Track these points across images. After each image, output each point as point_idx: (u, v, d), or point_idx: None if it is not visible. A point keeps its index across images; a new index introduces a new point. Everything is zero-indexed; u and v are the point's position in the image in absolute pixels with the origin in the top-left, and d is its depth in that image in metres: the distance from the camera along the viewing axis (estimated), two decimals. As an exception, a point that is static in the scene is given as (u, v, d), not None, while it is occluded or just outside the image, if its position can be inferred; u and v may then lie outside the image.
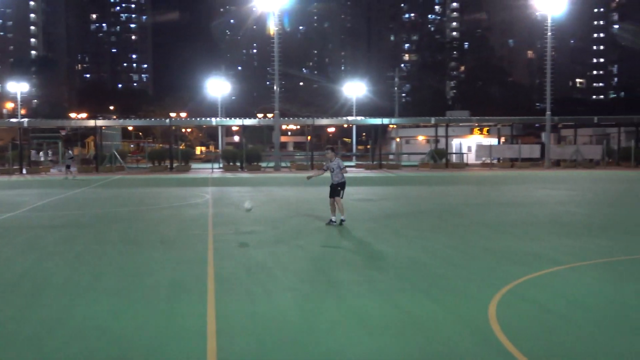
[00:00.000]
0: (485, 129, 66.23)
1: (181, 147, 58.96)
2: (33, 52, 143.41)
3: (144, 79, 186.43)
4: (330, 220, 15.34)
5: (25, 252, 11.85)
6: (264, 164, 52.29)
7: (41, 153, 60.77)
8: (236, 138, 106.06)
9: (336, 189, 15.30)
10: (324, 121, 58.58)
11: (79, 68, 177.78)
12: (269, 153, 58.51)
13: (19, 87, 73.67)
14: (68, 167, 40.71)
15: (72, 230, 14.89)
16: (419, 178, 38.19)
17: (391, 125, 71.91)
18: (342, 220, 15.27)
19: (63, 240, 13.33)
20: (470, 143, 66.14)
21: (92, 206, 21.07)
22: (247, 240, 12.98)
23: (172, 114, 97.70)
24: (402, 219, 16.57)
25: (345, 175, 15.52)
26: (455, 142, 66.10)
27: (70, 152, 41.78)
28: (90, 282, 9.25)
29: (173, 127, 56.29)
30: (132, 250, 11.99)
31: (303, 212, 18.24)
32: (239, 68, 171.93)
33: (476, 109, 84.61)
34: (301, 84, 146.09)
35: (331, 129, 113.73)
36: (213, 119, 55.81)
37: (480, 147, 55.14)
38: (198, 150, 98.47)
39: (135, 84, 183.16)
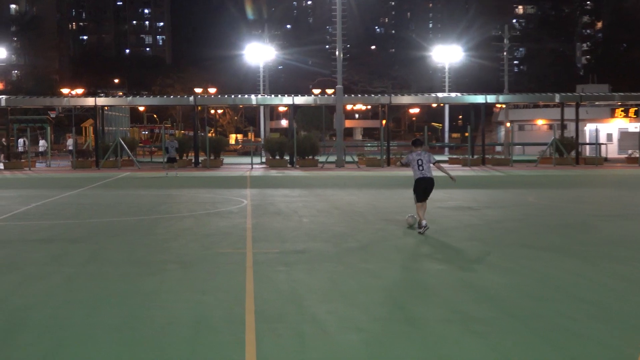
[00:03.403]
0: (631, 110, 64.93)
1: (210, 135, 59.65)
2: (13, 5, 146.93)
3: (160, 42, 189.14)
4: (423, 226, 16.45)
5: (0, 275, 12.18)
6: (321, 158, 52.50)
7: (21, 141, 62.29)
8: (284, 122, 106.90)
9: (429, 188, 16.87)
10: (404, 99, 58.50)
11: (73, 27, 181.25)
12: (329, 143, 58.79)
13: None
14: (173, 160, 40.77)
15: (63, 245, 15.22)
16: (537, 179, 37.64)
17: (498, 105, 71.23)
18: (421, 229, 16.48)
19: (50, 258, 13.63)
20: (611, 129, 64.93)
21: (89, 214, 21.49)
22: (298, 262, 13.02)
23: (198, 90, 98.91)
24: (511, 235, 16.37)
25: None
26: (589, 128, 64.98)
27: (175, 141, 41.86)
28: (83, 317, 9.41)
29: (199, 108, 56.99)
30: (141, 273, 12.19)
31: (374, 224, 18.21)
32: (288, 27, 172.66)
33: (619, 82, 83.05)
34: (373, 47, 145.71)
35: (414, 110, 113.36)
36: (252, 97, 56.32)
37: (624, 135, 54.14)
38: (232, 138, 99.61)
39: (147, 49, 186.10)
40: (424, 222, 16.48)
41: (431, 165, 17.07)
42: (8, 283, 11.47)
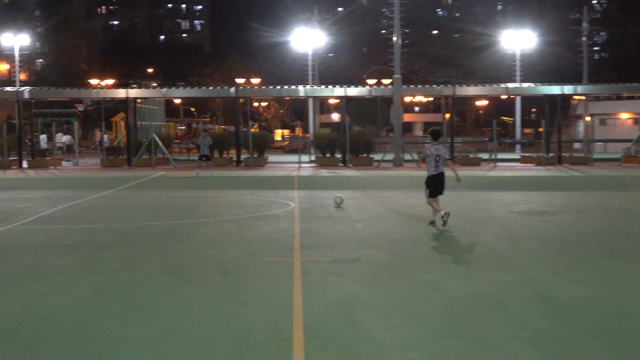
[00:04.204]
0: None
1: (253, 130, 59.92)
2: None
3: (197, 28, 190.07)
4: (443, 215, 18.08)
5: (23, 284, 12.34)
6: (377, 156, 52.41)
7: (43, 137, 62.85)
8: (335, 116, 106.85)
9: (443, 184, 18.65)
10: (469, 90, 58.15)
11: (103, 12, 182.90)
12: (385, 139, 58.68)
13: (16, 41, 76.77)
14: (206, 157, 40.92)
15: (91, 251, 15.40)
16: (620, 179, 37.22)
17: (576, 97, 70.54)
18: (438, 220, 18.28)
19: (78, 266, 13.81)
20: None
21: (120, 217, 21.72)
22: (350, 272, 13.03)
23: (239, 80, 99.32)
24: (590, 243, 16.21)
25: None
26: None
27: (208, 138, 41.90)
28: (113, 330, 9.50)
29: (240, 100, 57.24)
30: (177, 283, 12.28)
31: (435, 231, 18.15)
32: (339, 9, 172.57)
33: None
34: (435, 32, 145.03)
35: (481, 102, 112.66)
36: (300, 88, 56.36)
37: None
38: (278, 134, 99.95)
39: (184, 35, 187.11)
40: (442, 212, 17.99)
41: (446, 161, 18.73)
42: (32, 293, 11.62)
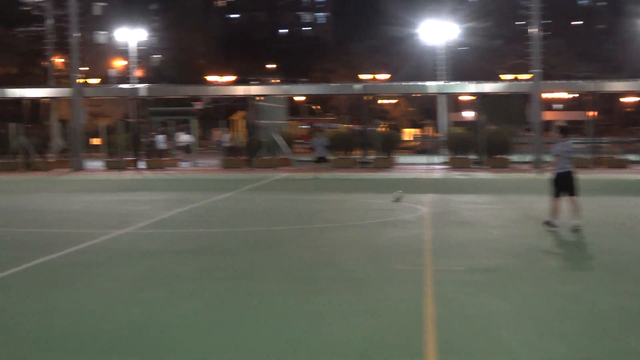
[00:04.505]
0: None
1: (380, 130, 59.96)
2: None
3: (321, 20, 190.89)
4: (553, 224, 18.66)
5: (142, 291, 12.69)
6: (514, 158, 51.87)
7: (160, 137, 63.77)
8: (468, 114, 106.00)
9: (574, 182, 18.79)
10: (617, 86, 57.02)
11: (221, 5, 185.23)
12: (524, 139, 57.94)
13: (132, 36, 78.45)
14: (322, 160, 41.70)
15: (213, 257, 15.71)
16: None
17: None
18: (576, 227, 18.29)
19: (199, 272, 14.10)
20: None
21: (242, 221, 22.06)
22: (487, 282, 12.98)
23: (365, 76, 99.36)
24: None
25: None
26: None
27: (324, 138, 42.45)
28: (235, 340, 9.68)
29: (366, 97, 57.37)
30: (302, 291, 12.42)
31: (578, 239, 17.91)
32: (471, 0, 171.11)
33: None
34: (578, 23, 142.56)
35: (630, 99, 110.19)
36: (430, 84, 56.25)
37: None
38: (407, 134, 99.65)
39: (306, 29, 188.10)
40: (577, 221, 18.42)
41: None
42: (153, 300, 11.93)
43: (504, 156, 51.39)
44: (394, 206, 25.64)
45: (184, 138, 60.67)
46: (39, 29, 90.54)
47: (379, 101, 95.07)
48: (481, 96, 55.44)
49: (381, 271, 14.02)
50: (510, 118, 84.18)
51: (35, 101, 61.33)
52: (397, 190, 25.53)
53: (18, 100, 56.51)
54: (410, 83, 57.25)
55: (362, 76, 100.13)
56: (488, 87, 54.09)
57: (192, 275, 13.80)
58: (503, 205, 25.83)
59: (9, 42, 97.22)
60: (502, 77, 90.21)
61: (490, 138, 51.25)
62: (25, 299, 11.90)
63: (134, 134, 53.77)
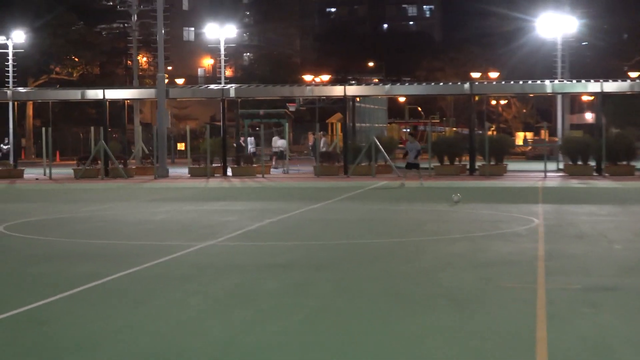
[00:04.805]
0: None
1: (490, 134, 59.52)
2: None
3: (427, 14, 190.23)
4: None
5: (229, 308, 12.72)
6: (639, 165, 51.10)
7: (250, 139, 63.83)
8: (589, 116, 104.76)
9: None
10: None
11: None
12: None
13: (222, 33, 79.20)
14: (415, 165, 41.50)
15: (304, 272, 15.74)
16: None
17: None
18: None
19: (289, 289, 14.13)
20: None
21: (336, 233, 22.09)
22: (607, 303, 12.75)
23: (475, 75, 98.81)
24: None
25: None
26: None
27: (416, 143, 42.20)
28: (330, 363, 9.68)
29: (475, 98, 57.04)
30: (401, 310, 12.35)
31: None
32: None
33: None
34: None
35: None
36: (546, 83, 55.67)
37: None
38: (519, 138, 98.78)
39: (411, 23, 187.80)
40: None
41: None
42: (239, 319, 11.94)
43: (629, 163, 50.57)
44: (504, 217, 25.44)
45: (279, 143, 60.48)
46: (123, 25, 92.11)
47: (490, 102, 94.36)
48: (602, 96, 54.60)
49: (488, 289, 13.91)
50: (636, 120, 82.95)
51: (117, 103, 62.26)
52: (456, 194, 25.43)
53: (99, 102, 57.31)
54: (525, 82, 56.48)
55: (472, 74, 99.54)
56: (611, 87, 53.22)
57: (282, 292, 13.82)
58: (626, 217, 25.44)
59: (90, 40, 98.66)
60: (629, 74, 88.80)
61: (613, 143, 50.45)
62: (105, 316, 12.03)
63: (221, 138, 54.13)
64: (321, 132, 59.28)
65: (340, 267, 16.36)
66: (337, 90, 55.57)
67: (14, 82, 67.30)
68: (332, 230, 22.78)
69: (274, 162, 60.70)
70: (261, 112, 66.23)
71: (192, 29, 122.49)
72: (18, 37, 71.98)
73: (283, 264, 16.74)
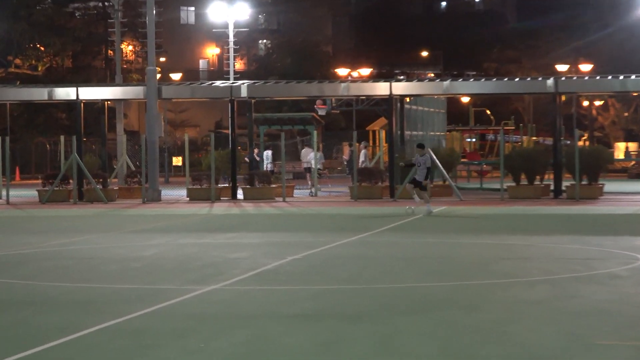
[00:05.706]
0: None
1: (581, 144, 59.29)
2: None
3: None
4: None
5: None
6: None
7: (267, 153, 63.17)
8: None
9: None
10: None
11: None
12: None
13: (229, 14, 79.14)
14: (418, 184, 40.88)
15: (335, 325, 15.66)
16: None
17: None
18: None
19: (315, 347, 14.07)
20: None
21: (377, 274, 22.10)
22: None
23: (561, 68, 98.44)
24: None
25: None
26: None
27: (425, 155, 41.33)
28: None
29: (562, 97, 56.80)
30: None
31: None
32: None
33: None
34: None
35: None
36: (656, 78, 55.46)
37: None
38: (620, 149, 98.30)
39: (477, 1, 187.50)
40: None
41: None
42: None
43: None
44: (598, 254, 25.35)
45: (311, 156, 58.28)
46: (103, 4, 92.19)
47: (582, 103, 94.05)
48: None
49: (579, 347, 13.85)
50: None
51: (94, 105, 62.11)
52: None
53: (71, 104, 57.45)
54: (628, 77, 55.71)
55: (557, 67, 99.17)
56: None
57: (306, 351, 13.78)
58: None
59: (60, 23, 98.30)
60: None
61: None
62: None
63: (230, 150, 53.96)
64: (362, 143, 59.19)
65: (382, 318, 16.31)
66: (381, 88, 55.29)
67: (-40, 79, 67.54)
68: (372, 271, 22.78)
69: (309, 181, 58.95)
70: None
71: (192, 8, 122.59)
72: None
73: (308, 314, 16.75)
